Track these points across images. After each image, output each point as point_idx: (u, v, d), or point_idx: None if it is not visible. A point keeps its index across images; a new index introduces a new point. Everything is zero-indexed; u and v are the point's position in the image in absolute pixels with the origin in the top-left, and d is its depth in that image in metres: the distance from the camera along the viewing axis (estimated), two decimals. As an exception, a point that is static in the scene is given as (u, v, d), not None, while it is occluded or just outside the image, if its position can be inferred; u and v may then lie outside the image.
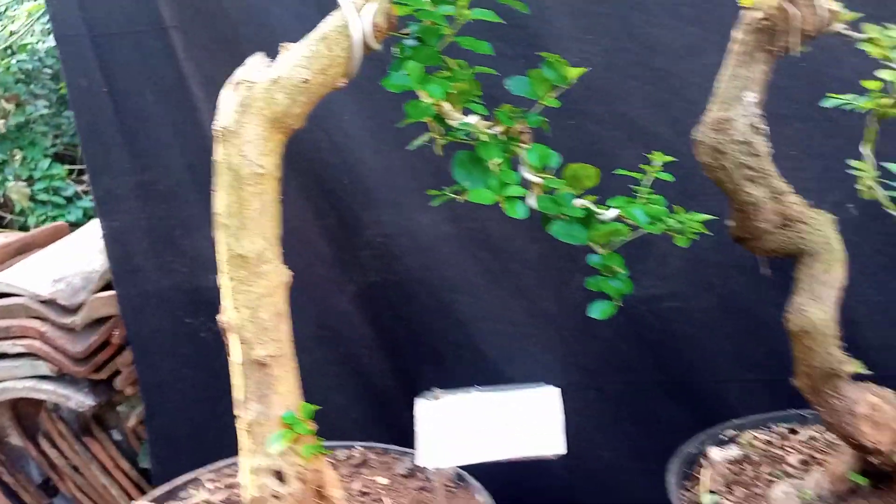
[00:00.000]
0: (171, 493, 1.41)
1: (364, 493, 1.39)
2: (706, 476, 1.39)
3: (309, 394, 2.13)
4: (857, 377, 1.26)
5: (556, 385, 2.08)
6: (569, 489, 2.08)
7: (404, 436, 2.11)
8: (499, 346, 2.07)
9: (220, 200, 1.14)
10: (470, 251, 2.01)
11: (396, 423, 2.07)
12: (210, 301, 1.92)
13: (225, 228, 1.14)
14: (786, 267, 2.00)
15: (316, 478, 1.17)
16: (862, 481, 1.31)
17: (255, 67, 1.15)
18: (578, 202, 1.29)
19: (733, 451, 1.48)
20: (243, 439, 1.17)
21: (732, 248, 2.02)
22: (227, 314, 1.16)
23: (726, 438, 1.53)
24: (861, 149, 1.27)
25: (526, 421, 1.23)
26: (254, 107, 1.12)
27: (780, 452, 1.47)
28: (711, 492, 1.36)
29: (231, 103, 1.13)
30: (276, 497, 1.14)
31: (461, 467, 1.40)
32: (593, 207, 1.31)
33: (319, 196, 1.99)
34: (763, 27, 1.15)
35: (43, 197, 4.80)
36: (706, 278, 2.00)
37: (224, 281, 1.16)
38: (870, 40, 1.20)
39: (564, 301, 2.05)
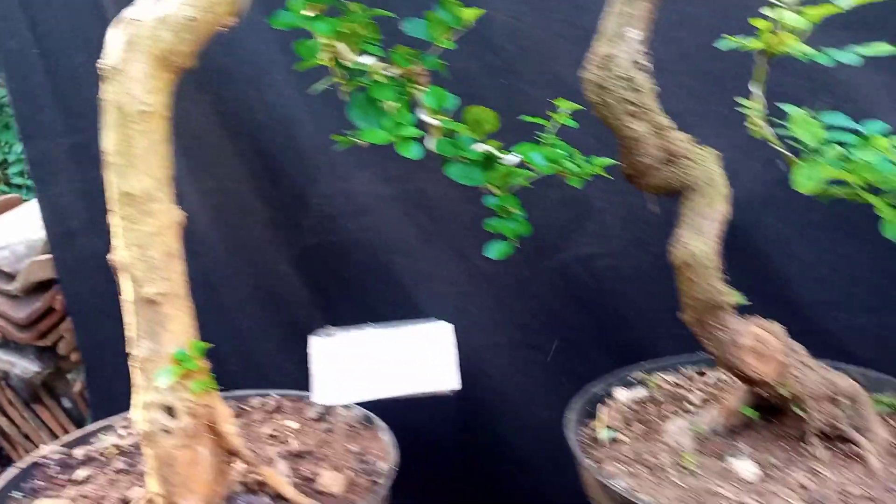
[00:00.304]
0: (83, 439, 1.43)
1: (273, 437, 1.41)
2: (605, 413, 1.41)
3: (250, 356, 2.16)
4: (743, 310, 1.28)
5: (495, 343, 2.12)
6: (506, 444, 2.10)
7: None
8: (437, 306, 2.08)
9: (108, 139, 1.16)
10: (407, 212, 2.03)
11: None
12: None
13: (113, 167, 1.16)
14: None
15: (207, 413, 1.19)
16: (752, 414, 1.33)
17: (143, 6, 1.16)
18: (480, 147, 1.31)
19: (640, 392, 1.50)
20: (136, 376, 1.19)
21: (665, 206, 2.04)
22: (118, 253, 1.18)
23: (634, 381, 1.55)
24: (750, 87, 1.28)
25: (420, 357, 1.25)
26: (140, 45, 1.13)
27: (685, 393, 1.49)
28: (609, 427, 1.38)
29: (118, 42, 1.14)
30: (166, 431, 1.16)
31: (368, 409, 1.42)
32: (496, 153, 1.34)
33: (254, 157, 2.00)
34: (644, -36, 1.17)
35: (18, 181, 4.81)
36: (640, 236, 2.02)
37: (114, 220, 1.18)
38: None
39: (501, 261, 2.06)
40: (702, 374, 1.56)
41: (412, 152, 1.23)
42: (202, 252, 2.05)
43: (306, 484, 1.27)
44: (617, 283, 2.05)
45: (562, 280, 2.05)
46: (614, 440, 1.35)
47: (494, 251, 1.34)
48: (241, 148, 1.99)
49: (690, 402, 1.45)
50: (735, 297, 1.23)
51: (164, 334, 1.18)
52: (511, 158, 1.35)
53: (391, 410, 2.11)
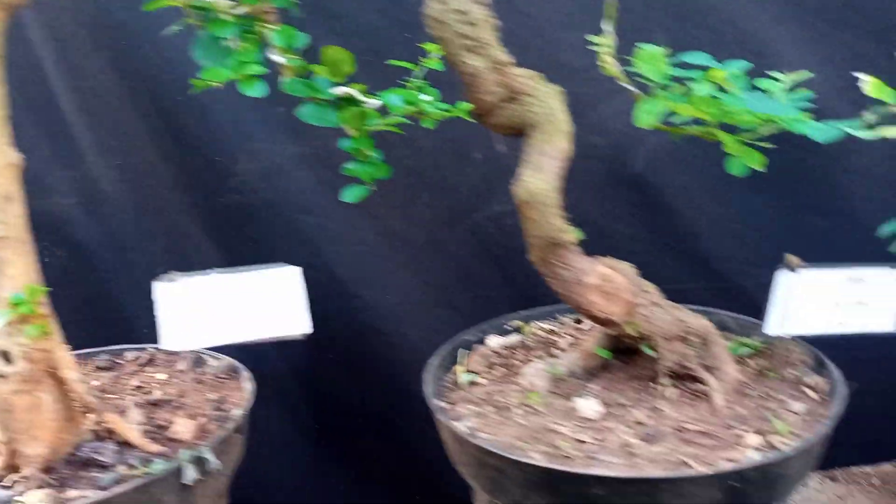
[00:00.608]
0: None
1: (138, 387, 1.41)
2: (469, 358, 1.40)
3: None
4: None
5: (408, 301, 2.10)
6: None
7: (252, 353, 2.13)
8: (349, 266, 2.07)
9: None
10: (314, 171, 2.01)
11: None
12: (52, 224, 1.92)
13: (-58, 108, 1.14)
14: (617, 183, 2.01)
15: (46, 358, 1.17)
16: (605, 355, 1.32)
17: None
18: (340, 89, 1.30)
19: (512, 339, 1.49)
20: (-28, 323, 1.18)
21: (575, 163, 2.02)
22: (-50, 197, 1.17)
23: (510, 328, 1.54)
24: (602, 25, 1.26)
25: (269, 301, 1.24)
26: (-33, -15, 1.12)
27: (556, 339, 1.48)
28: (470, 371, 1.37)
29: (-57, -18, 1.12)
30: (1, 376, 1.15)
31: (235, 358, 1.42)
32: (359, 96, 1.32)
33: (157, 117, 1.97)
34: None
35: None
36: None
37: (-53, 164, 1.17)
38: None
39: (412, 219, 2.05)
40: (578, 321, 1.54)
41: (256, 90, 1.22)
42: (109, 213, 2.03)
43: (159, 431, 1.26)
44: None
45: (474, 238, 2.05)
46: (473, 383, 1.35)
47: (351, 195, 1.33)
48: (142, 106, 1.97)
49: (559, 347, 1.44)
50: (574, 234, 1.21)
51: (2, 279, 1.17)
52: (373, 102, 1.34)
53: (303, 369, 2.12)
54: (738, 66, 1.27)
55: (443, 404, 1.27)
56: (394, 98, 1.33)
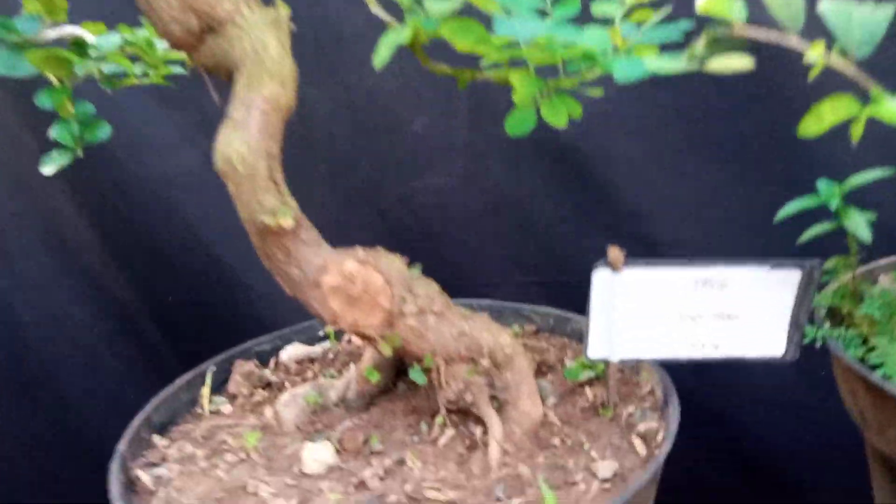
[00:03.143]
0: None
1: None
2: (236, 376, 1.07)
3: (46, 308, 1.95)
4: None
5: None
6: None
7: (151, 350, 1.90)
8: (235, 250, 1.82)
9: None
10: (189, 139, 1.75)
11: (140, 337, 1.88)
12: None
13: None
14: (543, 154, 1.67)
15: None
16: (373, 377, 0.97)
17: None
18: (62, 30, 1.03)
19: (317, 349, 1.16)
20: None
21: (491, 131, 1.69)
22: None
23: (322, 335, 1.20)
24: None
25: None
26: None
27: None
28: (228, 395, 1.05)
29: None
30: None
31: None
32: (90, 37, 1.06)
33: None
34: None
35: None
36: (471, 175, 1.69)
37: None
38: None
39: (313, 202, 1.78)
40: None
41: None
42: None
43: None
44: (447, 226, 1.76)
45: (385, 224, 1.77)
46: (215, 412, 1.02)
47: (49, 165, 1.03)
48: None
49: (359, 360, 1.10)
50: (287, 217, 0.86)
51: None
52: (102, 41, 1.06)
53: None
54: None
55: (161, 441, 0.95)
56: (113, 37, 1.03)
